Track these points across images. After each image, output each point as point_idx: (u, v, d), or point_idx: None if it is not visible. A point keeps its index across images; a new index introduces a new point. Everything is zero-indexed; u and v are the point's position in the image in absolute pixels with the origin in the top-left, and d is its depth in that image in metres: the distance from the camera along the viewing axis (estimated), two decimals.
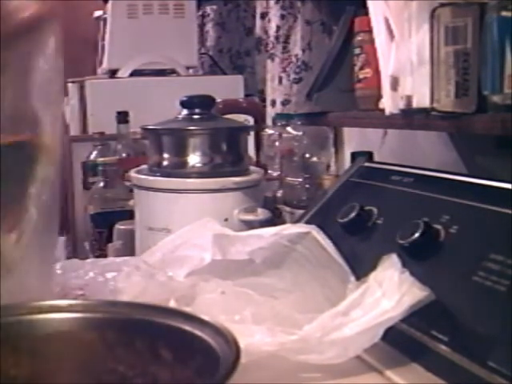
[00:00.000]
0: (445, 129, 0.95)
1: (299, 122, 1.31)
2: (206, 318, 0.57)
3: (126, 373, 0.59)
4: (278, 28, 1.63)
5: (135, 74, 1.93)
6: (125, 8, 1.93)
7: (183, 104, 1.07)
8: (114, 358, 0.59)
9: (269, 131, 1.42)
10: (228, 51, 2.20)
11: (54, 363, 0.60)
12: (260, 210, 1.02)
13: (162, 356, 0.57)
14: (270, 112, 1.67)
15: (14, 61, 0.64)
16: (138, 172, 1.08)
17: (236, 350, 0.50)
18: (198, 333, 0.56)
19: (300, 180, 1.25)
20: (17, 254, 0.65)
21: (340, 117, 1.13)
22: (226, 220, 0.99)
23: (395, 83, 0.89)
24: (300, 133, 1.33)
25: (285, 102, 1.65)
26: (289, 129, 1.36)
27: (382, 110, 0.93)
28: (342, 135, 1.48)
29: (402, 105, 0.88)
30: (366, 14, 0.96)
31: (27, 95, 0.65)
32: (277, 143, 1.40)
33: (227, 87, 1.86)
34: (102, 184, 1.40)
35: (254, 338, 0.65)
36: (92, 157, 1.62)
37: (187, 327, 0.57)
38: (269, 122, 1.58)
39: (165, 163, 1.05)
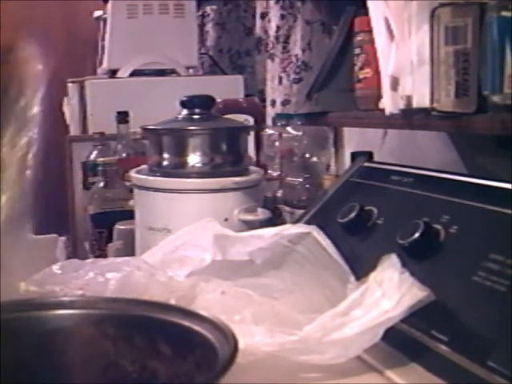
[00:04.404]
0: (445, 129, 0.95)
1: (299, 122, 1.31)
2: (203, 313, 0.57)
3: (126, 367, 0.60)
4: (278, 28, 1.63)
5: (135, 73, 1.93)
6: (125, 8, 1.92)
7: (183, 104, 1.07)
8: (115, 353, 0.60)
9: (269, 131, 1.42)
10: (228, 51, 2.20)
11: (56, 358, 0.61)
12: (260, 210, 1.02)
13: (161, 351, 0.58)
14: (270, 112, 1.67)
15: None
16: (138, 172, 1.08)
17: (233, 343, 0.51)
18: (196, 328, 0.56)
19: (300, 180, 1.25)
20: None
21: (340, 117, 1.13)
22: (226, 220, 0.99)
23: (395, 83, 0.89)
24: (300, 133, 1.33)
25: (285, 102, 1.64)
26: (289, 129, 1.36)
27: (382, 110, 0.93)
28: (342, 135, 1.48)
29: (402, 105, 0.88)
30: (366, 14, 0.96)
31: None
32: (277, 143, 1.40)
33: (227, 87, 1.86)
34: (102, 184, 1.40)
35: (254, 338, 0.65)
36: (92, 157, 1.62)
37: (186, 322, 0.58)
38: (269, 122, 1.58)
39: (165, 163, 1.05)
